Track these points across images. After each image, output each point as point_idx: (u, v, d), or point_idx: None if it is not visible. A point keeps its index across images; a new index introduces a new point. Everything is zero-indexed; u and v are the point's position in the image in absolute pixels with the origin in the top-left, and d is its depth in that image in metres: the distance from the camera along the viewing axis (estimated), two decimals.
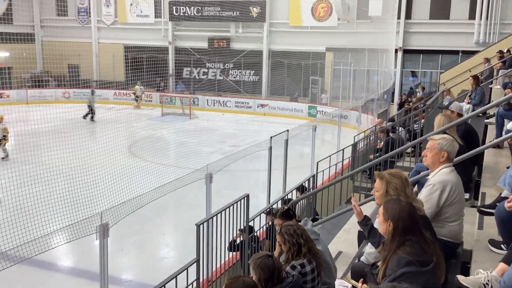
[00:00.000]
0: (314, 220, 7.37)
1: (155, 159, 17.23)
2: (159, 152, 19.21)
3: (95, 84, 31.42)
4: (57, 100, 29.38)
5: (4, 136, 16.07)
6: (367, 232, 3.66)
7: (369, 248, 3.90)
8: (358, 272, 3.87)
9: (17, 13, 32.05)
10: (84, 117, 24.47)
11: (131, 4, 31.67)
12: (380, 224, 3.05)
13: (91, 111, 24.55)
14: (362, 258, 4.02)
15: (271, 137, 9.37)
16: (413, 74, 26.75)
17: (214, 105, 28.66)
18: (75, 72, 33.04)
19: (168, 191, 6.46)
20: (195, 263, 5.85)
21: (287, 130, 10.02)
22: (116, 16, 32.20)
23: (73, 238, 5.06)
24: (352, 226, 6.37)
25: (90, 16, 32.62)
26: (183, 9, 30.25)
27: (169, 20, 30.77)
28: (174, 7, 30.42)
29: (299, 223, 4.06)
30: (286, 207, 5.40)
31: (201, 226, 5.95)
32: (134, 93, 28.37)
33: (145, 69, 31.20)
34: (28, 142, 18.80)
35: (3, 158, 15.99)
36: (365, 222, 3.68)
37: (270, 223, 7.08)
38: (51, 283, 8.82)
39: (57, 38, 32.78)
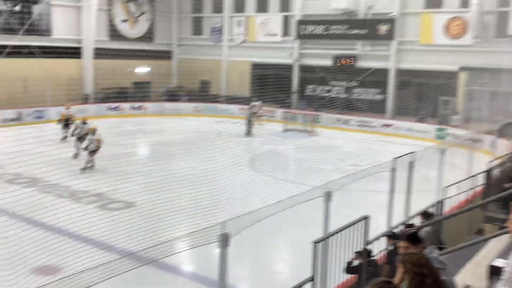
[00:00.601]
0: (439, 249, 6.91)
1: (274, 174, 17.54)
2: (279, 167, 19.53)
3: (223, 99, 33.01)
4: (189, 113, 31.39)
5: (98, 147, 16.64)
6: None
7: (502, 286, 3.55)
8: None
9: (157, 33, 35.12)
10: (247, 134, 25.34)
11: (261, 24, 32.89)
12: None
13: (249, 126, 25.45)
14: None
15: (394, 158, 9.01)
16: None
17: (336, 123, 28.46)
18: (206, 87, 35.18)
19: (287, 207, 6.50)
20: (310, 282, 5.81)
21: (413, 152, 9.57)
22: (246, 35, 33.65)
23: (196, 245, 5.30)
24: (482, 259, 5.86)
25: (222, 36, 34.45)
26: (310, 27, 30.67)
27: (296, 38, 31.36)
28: (302, 26, 30.97)
29: (424, 252, 3.83)
30: (413, 230, 5.12)
31: (318, 244, 5.89)
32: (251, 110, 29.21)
33: (270, 85, 32.13)
34: (162, 152, 20.38)
35: (91, 166, 16.54)
36: None
37: (391, 248, 6.79)
38: (173, 286, 9.35)
39: (191, 56, 35.29)
